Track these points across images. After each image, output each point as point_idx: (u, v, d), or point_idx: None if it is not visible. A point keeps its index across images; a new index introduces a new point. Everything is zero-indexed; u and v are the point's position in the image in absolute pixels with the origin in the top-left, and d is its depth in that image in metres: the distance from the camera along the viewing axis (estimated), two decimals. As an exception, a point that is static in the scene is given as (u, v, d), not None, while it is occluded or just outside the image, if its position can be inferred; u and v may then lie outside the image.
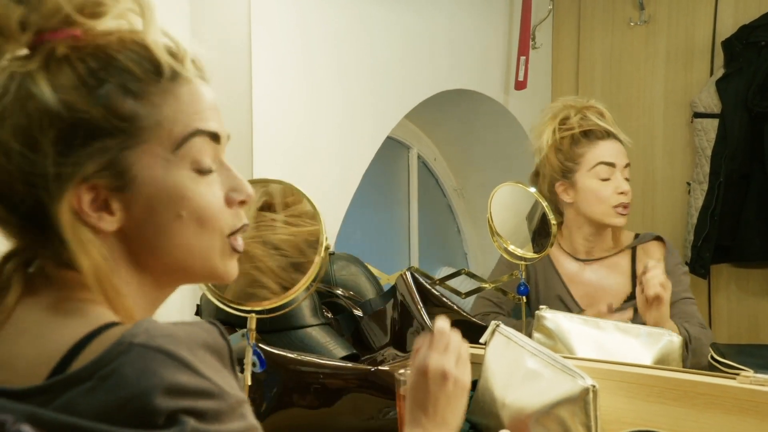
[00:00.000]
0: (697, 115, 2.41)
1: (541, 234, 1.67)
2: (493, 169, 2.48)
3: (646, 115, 2.56)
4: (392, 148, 2.40)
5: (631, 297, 1.66)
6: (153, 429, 0.55)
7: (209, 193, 0.70)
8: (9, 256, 0.68)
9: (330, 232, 1.81)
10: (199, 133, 0.69)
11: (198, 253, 0.70)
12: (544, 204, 1.55)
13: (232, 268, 0.74)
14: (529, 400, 1.06)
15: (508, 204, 1.73)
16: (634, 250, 1.71)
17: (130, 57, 0.67)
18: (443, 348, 0.90)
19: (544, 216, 1.58)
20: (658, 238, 1.72)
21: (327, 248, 1.01)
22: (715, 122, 2.37)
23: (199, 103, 0.70)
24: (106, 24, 0.67)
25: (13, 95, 0.64)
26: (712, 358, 1.30)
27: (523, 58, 2.34)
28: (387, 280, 1.66)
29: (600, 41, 2.64)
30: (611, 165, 1.67)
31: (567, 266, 1.74)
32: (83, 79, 0.64)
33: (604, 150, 1.68)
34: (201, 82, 0.72)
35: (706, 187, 2.37)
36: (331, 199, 1.79)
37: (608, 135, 1.70)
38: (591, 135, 1.69)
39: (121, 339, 0.58)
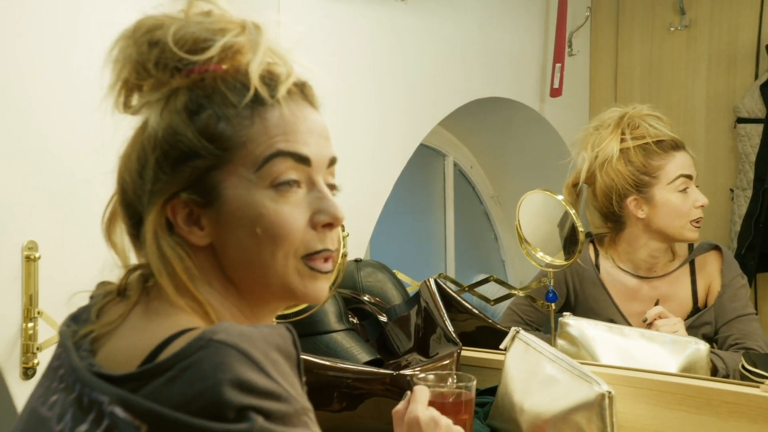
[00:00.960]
0: (741, 120, 2.35)
1: (572, 241, 1.65)
2: (531, 176, 2.47)
3: (687, 122, 2.51)
4: (428, 156, 2.42)
5: (693, 313, 1.61)
6: (224, 422, 0.59)
7: (287, 212, 0.72)
8: (135, 269, 0.76)
9: (362, 240, 1.84)
10: (280, 154, 0.72)
11: (273, 270, 0.72)
12: (572, 212, 1.54)
13: (313, 289, 0.74)
14: (547, 405, 1.06)
15: (541, 211, 1.72)
16: (692, 262, 1.65)
17: (230, 85, 0.73)
18: (425, 401, 0.95)
19: (573, 224, 1.57)
20: (716, 248, 1.65)
21: (344, 255, 1.04)
22: (759, 127, 2.31)
23: (287, 126, 0.73)
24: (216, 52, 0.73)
25: (141, 123, 0.75)
26: (743, 366, 1.27)
27: (558, 65, 2.33)
28: (417, 287, 1.67)
29: (639, 47, 2.61)
30: (690, 177, 1.60)
31: (623, 284, 1.66)
32: (187, 106, 0.72)
33: (683, 161, 1.60)
34: (299, 106, 0.75)
35: (750, 193, 2.31)
36: (362, 206, 1.82)
37: (680, 145, 1.62)
38: (664, 145, 1.61)
39: (201, 335, 0.62)
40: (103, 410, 0.63)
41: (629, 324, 1.61)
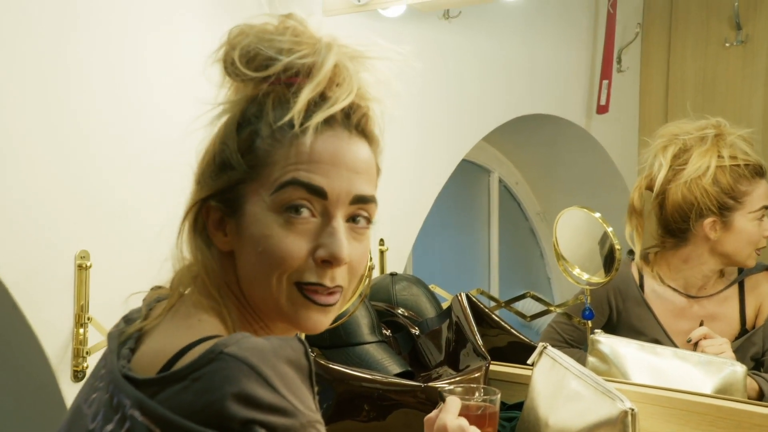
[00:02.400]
0: (799, 138, 2.28)
1: (610, 259, 1.63)
2: (577, 193, 2.45)
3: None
4: (473, 172, 2.43)
5: (741, 334, 1.57)
6: None
7: (289, 239, 0.72)
8: (181, 272, 0.80)
9: (402, 254, 1.87)
10: (294, 182, 0.72)
11: (268, 290, 0.74)
12: (609, 230, 1.52)
13: (306, 319, 0.73)
14: (571, 421, 1.06)
15: (581, 228, 1.70)
16: (741, 282, 1.60)
17: (280, 105, 0.75)
18: (456, 411, 0.96)
19: (611, 241, 1.55)
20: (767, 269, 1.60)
21: (371, 267, 1.06)
22: (818, 146, 2.23)
23: (313, 155, 0.72)
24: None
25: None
26: (782, 390, 1.23)
27: (605, 81, 2.31)
28: (453, 302, 1.69)
29: (692, 63, 2.56)
30: (767, 209, 1.56)
31: (670, 302, 1.61)
32: (239, 119, 0.76)
33: (765, 191, 1.55)
34: (337, 136, 0.74)
35: (807, 213, 2.23)
36: (403, 220, 1.85)
37: (764, 172, 1.56)
38: (752, 170, 1.55)
39: (214, 347, 0.65)
40: (126, 412, 0.66)
41: (674, 343, 1.57)
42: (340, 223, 0.73)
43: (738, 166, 1.54)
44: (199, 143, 0.79)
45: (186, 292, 0.78)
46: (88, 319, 1.35)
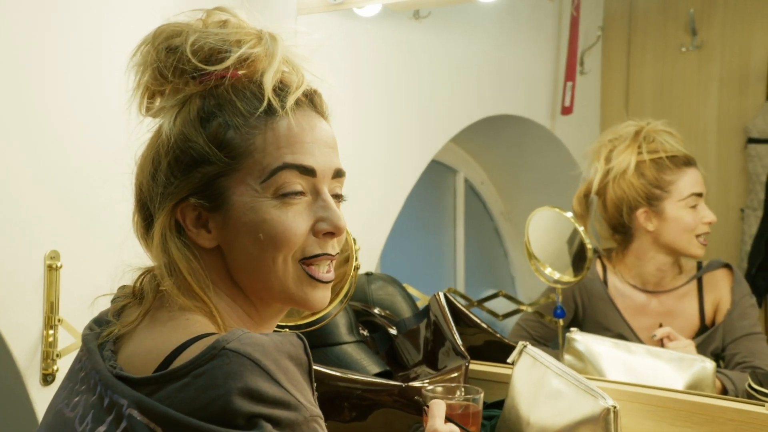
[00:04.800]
0: (752, 140, 2.37)
1: (580, 257, 1.67)
2: (541, 193, 2.49)
3: (698, 142, 2.53)
4: (439, 172, 2.44)
5: (702, 331, 1.62)
6: (234, 429, 0.62)
7: (289, 219, 0.75)
8: (149, 270, 0.79)
9: (373, 253, 1.87)
10: (287, 167, 0.74)
11: (274, 274, 0.75)
12: (581, 229, 1.56)
13: (312, 297, 0.77)
14: (552, 419, 1.08)
15: (550, 227, 1.74)
16: (700, 279, 1.66)
17: (241, 94, 0.76)
18: (443, 415, 0.97)
19: (582, 240, 1.59)
20: (726, 266, 1.67)
21: (357, 267, 1.06)
22: (770, 148, 2.32)
23: (294, 137, 0.75)
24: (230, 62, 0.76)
25: (156, 128, 0.78)
26: (749, 385, 1.28)
27: (569, 83, 2.36)
28: (427, 301, 1.70)
29: (651, 67, 2.63)
30: (700, 195, 1.64)
31: (630, 298, 1.67)
32: (200, 114, 0.75)
33: (695, 179, 1.64)
34: (307, 116, 0.77)
35: (760, 214, 2.32)
36: (374, 221, 1.85)
37: (692, 162, 1.65)
38: (677, 161, 1.64)
39: (215, 343, 0.65)
40: (122, 412, 0.65)
41: (639, 338, 1.62)
42: (329, 197, 0.77)
43: (661, 158, 1.63)
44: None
45: (159, 294, 0.76)
46: (59, 320, 1.31)
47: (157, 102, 0.80)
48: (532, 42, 2.34)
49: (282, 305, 0.80)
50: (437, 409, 0.97)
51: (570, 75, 2.36)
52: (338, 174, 0.79)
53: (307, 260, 0.76)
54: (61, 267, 1.31)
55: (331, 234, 0.77)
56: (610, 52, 2.66)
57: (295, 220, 0.75)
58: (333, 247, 0.78)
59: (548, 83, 2.38)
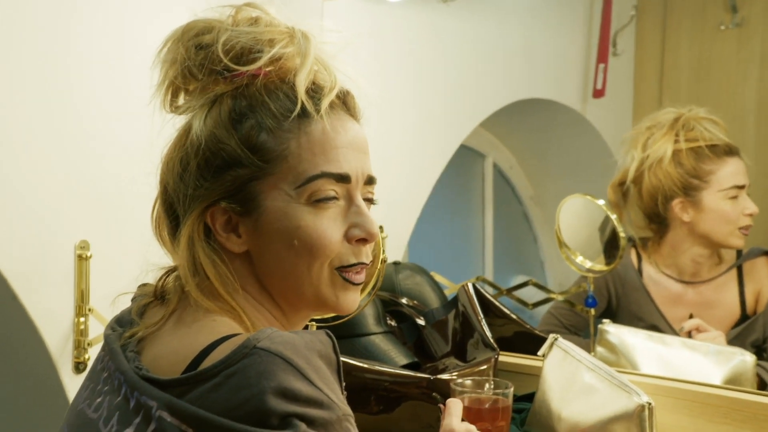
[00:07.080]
0: (793, 123, 2.30)
1: (613, 246, 1.63)
2: (571, 178, 2.45)
3: (736, 124, 2.45)
4: (467, 157, 2.41)
5: (741, 321, 1.59)
6: (268, 428, 0.61)
7: (324, 225, 0.73)
8: (172, 271, 0.78)
9: (400, 240, 1.85)
10: (324, 175, 0.73)
11: (307, 280, 0.74)
12: (613, 217, 1.52)
13: (344, 300, 0.76)
14: (585, 414, 1.06)
15: (582, 215, 1.70)
16: (740, 267, 1.63)
17: (274, 94, 0.74)
18: (459, 414, 0.95)
19: (614, 228, 1.56)
20: (766, 253, 1.62)
21: (384, 260, 1.05)
22: (813, 131, 2.25)
23: (329, 142, 0.74)
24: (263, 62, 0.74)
25: (184, 126, 0.76)
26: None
27: (602, 65, 2.30)
28: (455, 289, 1.68)
29: (687, 47, 2.56)
30: (742, 187, 1.59)
31: (666, 288, 1.64)
32: (230, 115, 0.73)
33: (736, 169, 1.59)
34: (341, 119, 0.75)
35: (801, 197, 2.26)
36: (401, 208, 1.83)
37: (734, 151, 1.60)
38: (717, 150, 1.60)
39: (246, 342, 0.64)
40: (151, 414, 0.65)
41: (673, 329, 1.59)
42: (362, 203, 0.76)
43: (700, 147, 1.58)
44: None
45: (184, 296, 0.75)
46: (89, 310, 1.32)
47: (181, 98, 0.79)
48: (563, 23, 2.28)
49: (311, 311, 0.79)
50: (455, 407, 0.95)
51: (602, 57, 2.31)
52: (370, 181, 0.78)
53: (343, 269, 0.75)
54: (90, 257, 1.32)
55: (364, 240, 0.76)
56: (644, 32, 2.59)
57: (329, 227, 0.73)
58: (366, 255, 0.77)
59: (579, 65, 2.33)
